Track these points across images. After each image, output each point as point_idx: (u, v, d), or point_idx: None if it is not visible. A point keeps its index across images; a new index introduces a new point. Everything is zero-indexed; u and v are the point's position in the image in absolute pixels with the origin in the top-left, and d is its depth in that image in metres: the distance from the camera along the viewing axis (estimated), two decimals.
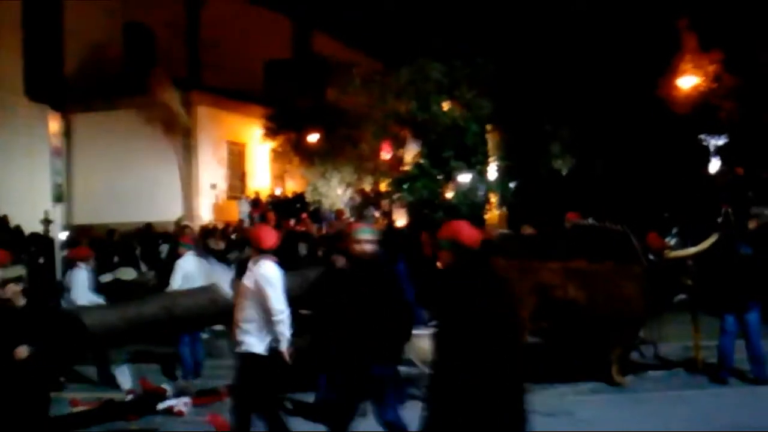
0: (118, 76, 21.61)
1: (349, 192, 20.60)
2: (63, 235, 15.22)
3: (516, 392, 4.10)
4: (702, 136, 17.20)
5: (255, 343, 5.88)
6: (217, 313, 7.96)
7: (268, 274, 5.86)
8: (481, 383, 3.98)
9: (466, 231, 4.42)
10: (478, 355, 4.01)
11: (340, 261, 8.61)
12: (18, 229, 16.28)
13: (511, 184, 18.06)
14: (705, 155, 17.16)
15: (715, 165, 17.13)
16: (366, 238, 5.85)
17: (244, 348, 5.90)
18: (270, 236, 6.08)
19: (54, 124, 15.10)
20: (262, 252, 5.97)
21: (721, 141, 17.27)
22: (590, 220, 13.93)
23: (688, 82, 17.03)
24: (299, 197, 21.41)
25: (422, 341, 6.80)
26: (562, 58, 17.59)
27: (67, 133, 19.94)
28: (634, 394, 8.65)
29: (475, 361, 4.00)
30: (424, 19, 19.96)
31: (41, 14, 20.64)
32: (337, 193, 21.59)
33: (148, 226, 16.83)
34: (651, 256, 9.37)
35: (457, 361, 4.03)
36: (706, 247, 8.92)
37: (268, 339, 5.90)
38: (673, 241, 10.14)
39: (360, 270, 5.80)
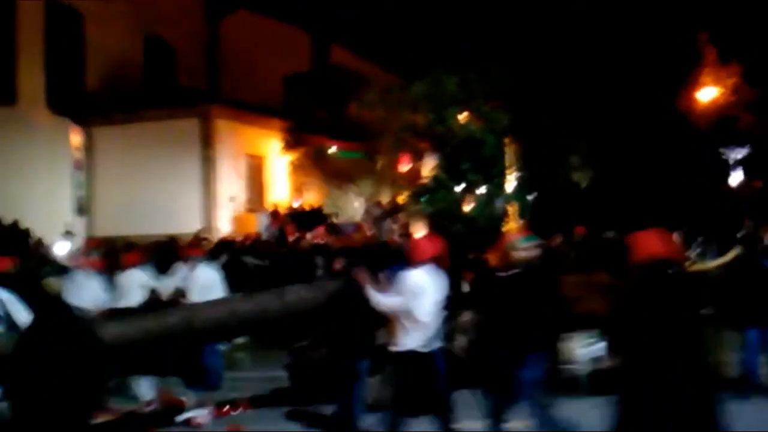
0: (139, 89, 21.83)
1: (366, 204, 20.64)
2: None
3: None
4: (722, 149, 17.11)
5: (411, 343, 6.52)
6: (237, 325, 8.00)
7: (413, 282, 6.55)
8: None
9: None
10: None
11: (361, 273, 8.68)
12: (39, 242, 16.42)
13: (530, 197, 18.02)
14: (725, 168, 17.06)
15: (735, 178, 17.03)
16: (525, 247, 6.60)
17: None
18: (427, 248, 6.70)
19: (75, 138, 15.31)
20: (417, 263, 6.58)
21: (741, 153, 17.17)
22: (611, 234, 13.93)
23: (707, 94, 16.99)
24: (317, 210, 21.48)
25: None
26: (582, 71, 17.58)
27: (89, 146, 20.15)
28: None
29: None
30: (440, 31, 20.04)
31: (63, 28, 20.89)
32: (354, 205, 21.64)
33: (172, 240, 16.92)
34: (672, 270, 9.30)
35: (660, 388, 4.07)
36: (727, 261, 8.86)
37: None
38: (694, 254, 10.06)
39: (521, 277, 6.44)
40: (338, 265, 9.29)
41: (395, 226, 17.29)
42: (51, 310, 5.76)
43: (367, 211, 20.60)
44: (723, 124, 16.87)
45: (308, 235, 17.21)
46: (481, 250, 14.61)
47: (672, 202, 15.70)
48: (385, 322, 7.16)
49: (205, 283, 9.56)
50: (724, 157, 17.23)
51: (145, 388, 9.02)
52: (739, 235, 9.52)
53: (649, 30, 17.48)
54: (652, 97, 16.94)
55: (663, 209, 15.29)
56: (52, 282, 6.06)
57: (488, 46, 18.03)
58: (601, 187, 17.79)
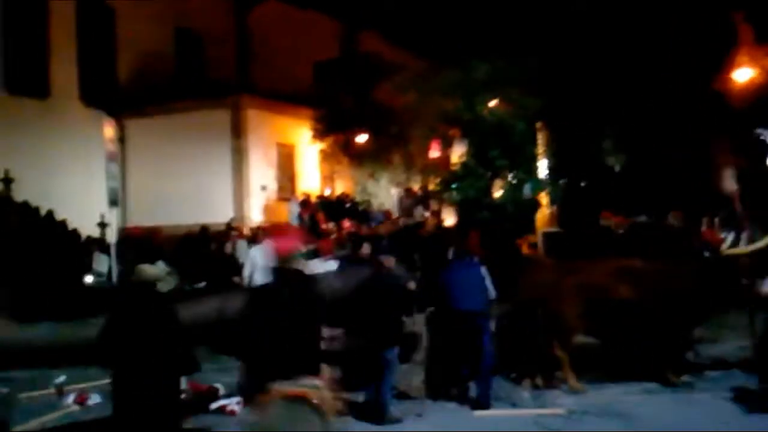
0: (170, 81, 22.00)
1: (397, 192, 20.59)
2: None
3: None
4: (759, 130, 16.76)
5: None
6: None
7: None
8: None
9: None
10: None
11: (389, 262, 8.69)
12: (75, 233, 16.67)
13: (561, 182, 17.83)
14: (762, 149, 16.72)
15: None
16: None
17: None
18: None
19: (109, 130, 15.45)
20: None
21: None
22: (643, 218, 13.75)
23: (744, 75, 16.63)
24: (345, 198, 21.50)
25: None
26: (615, 53, 17.31)
27: (121, 138, 20.37)
28: (689, 394, 8.48)
29: None
30: (470, 17, 19.86)
31: (94, 22, 21.12)
32: (388, 192, 21.61)
33: (203, 229, 17.06)
34: (706, 253, 9.19)
35: None
36: (762, 246, 8.70)
37: None
38: (730, 237, 9.89)
39: None
40: (365, 251, 9.29)
41: (426, 214, 17.23)
42: (142, 294, 6.03)
43: (399, 200, 20.58)
44: (760, 105, 16.50)
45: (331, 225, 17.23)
46: (511, 236, 14.56)
47: (706, 185, 15.44)
48: (413, 310, 7.17)
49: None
50: (761, 137, 16.87)
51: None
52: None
53: (683, 10, 17.15)
54: (687, 78, 16.63)
55: (697, 192, 15.06)
56: (146, 268, 6.21)
57: (518, 31, 17.83)
58: (635, 171, 17.54)
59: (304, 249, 5.31)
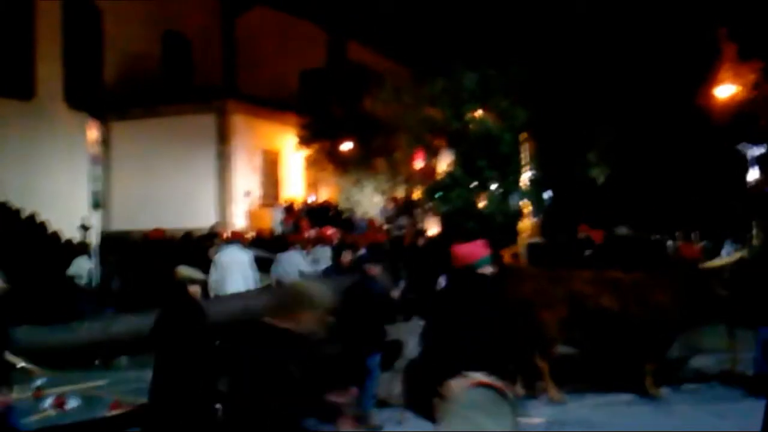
0: (156, 84, 21.94)
1: (382, 200, 20.62)
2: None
3: None
4: (740, 146, 16.94)
5: None
6: (249, 319, 8.02)
7: None
8: None
9: None
10: None
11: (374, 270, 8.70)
12: (55, 235, 16.55)
13: (546, 194, 17.93)
14: (743, 165, 16.90)
15: (753, 175, 16.86)
16: None
17: None
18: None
19: (92, 132, 15.39)
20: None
21: (759, 151, 16.99)
22: (624, 230, 13.86)
23: (726, 91, 16.81)
24: (328, 205, 21.50)
25: None
26: (599, 67, 17.45)
27: (106, 140, 20.28)
28: (669, 405, 8.53)
29: None
30: (458, 27, 19.96)
31: (81, 23, 21.04)
32: (371, 201, 21.63)
33: (188, 235, 17.00)
34: (686, 267, 9.26)
35: None
36: (732, 261, 8.81)
37: None
38: (725, 252, 10.00)
39: None
40: (346, 259, 9.29)
41: (405, 221, 17.28)
42: (178, 294, 6.26)
43: (383, 209, 20.61)
44: (742, 121, 16.68)
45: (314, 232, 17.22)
46: (497, 247, 14.60)
47: (689, 200, 15.60)
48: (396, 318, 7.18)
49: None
50: (742, 154, 17.05)
51: None
52: (749, 235, 9.45)
53: (667, 26, 17.33)
54: (671, 93, 16.80)
55: (679, 207, 15.21)
56: (183, 270, 6.39)
57: (506, 42, 17.94)
58: (618, 184, 17.67)
59: (488, 255, 5.42)
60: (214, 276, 11.37)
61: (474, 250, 5.37)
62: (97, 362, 10.42)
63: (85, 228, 17.33)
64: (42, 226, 16.52)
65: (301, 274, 11.53)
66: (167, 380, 6.03)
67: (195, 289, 6.35)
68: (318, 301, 4.21)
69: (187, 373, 5.96)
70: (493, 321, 5.26)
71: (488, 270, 5.31)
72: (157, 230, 16.40)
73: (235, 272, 11.51)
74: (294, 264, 11.91)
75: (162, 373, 6.08)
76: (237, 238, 13.24)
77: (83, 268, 14.01)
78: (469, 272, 5.30)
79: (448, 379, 4.79)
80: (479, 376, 4.81)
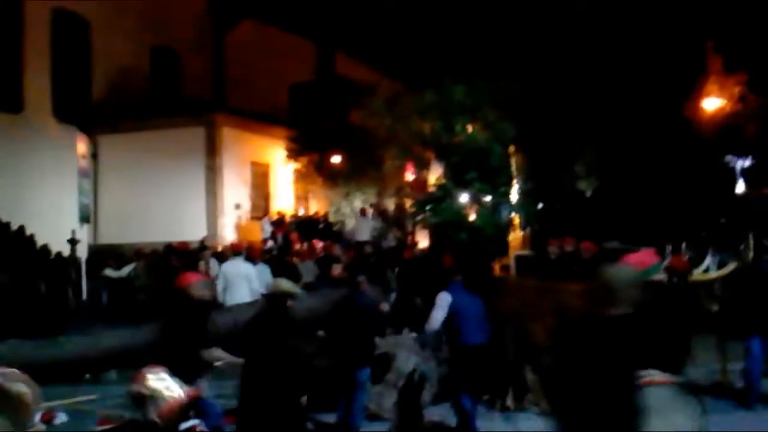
0: (145, 98, 21.92)
1: (369, 211, 20.61)
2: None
3: None
4: (727, 158, 17.08)
5: None
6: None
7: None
8: None
9: None
10: None
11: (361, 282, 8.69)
12: (44, 249, 16.45)
13: (537, 206, 17.99)
14: (730, 177, 17.03)
15: (740, 187, 16.99)
16: None
17: None
18: None
19: (81, 146, 15.38)
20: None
21: (746, 162, 17.13)
22: (614, 243, 13.90)
23: (713, 103, 16.95)
24: (317, 218, 21.48)
25: None
26: (587, 80, 17.56)
27: (94, 154, 20.24)
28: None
29: None
30: (447, 40, 20.06)
31: (69, 36, 21.01)
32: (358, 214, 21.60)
33: (169, 247, 16.93)
34: (674, 279, 9.29)
35: None
36: (725, 274, 8.84)
37: None
38: (709, 264, 10.01)
39: None
40: (336, 272, 9.29)
41: (399, 234, 17.29)
42: (275, 307, 6.54)
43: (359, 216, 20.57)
44: (728, 133, 16.81)
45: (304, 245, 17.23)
46: (487, 259, 14.62)
47: (676, 212, 15.67)
48: (385, 331, 7.19)
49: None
50: (729, 165, 17.19)
51: None
52: (741, 247, 9.48)
53: (654, 39, 17.47)
54: (658, 105, 16.92)
55: (667, 219, 15.26)
56: (283, 284, 6.74)
57: (494, 55, 18.04)
58: (606, 197, 17.75)
59: (658, 263, 5.49)
60: (219, 287, 11.47)
61: (644, 259, 5.39)
62: (87, 377, 10.34)
63: (73, 242, 17.28)
64: (30, 239, 16.41)
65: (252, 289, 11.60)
66: (259, 392, 6.27)
67: (292, 303, 6.63)
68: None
69: (280, 384, 6.22)
70: (669, 324, 5.32)
71: (659, 278, 5.34)
72: (181, 243, 16.51)
73: (240, 284, 11.65)
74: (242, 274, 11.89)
75: (254, 385, 6.31)
76: (241, 250, 13.20)
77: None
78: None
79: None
80: (662, 375, 4.95)
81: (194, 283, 7.19)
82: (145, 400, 5.67)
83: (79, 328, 12.29)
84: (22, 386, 4.81)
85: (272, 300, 6.63)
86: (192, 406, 6.02)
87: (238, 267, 12.05)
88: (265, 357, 6.32)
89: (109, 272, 14.51)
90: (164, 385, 5.47)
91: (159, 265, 15.47)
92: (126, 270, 14.64)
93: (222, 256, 14.97)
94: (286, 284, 6.72)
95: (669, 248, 12.42)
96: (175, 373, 6.01)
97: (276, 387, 6.24)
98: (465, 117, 17.63)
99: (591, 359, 4.26)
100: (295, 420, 6.46)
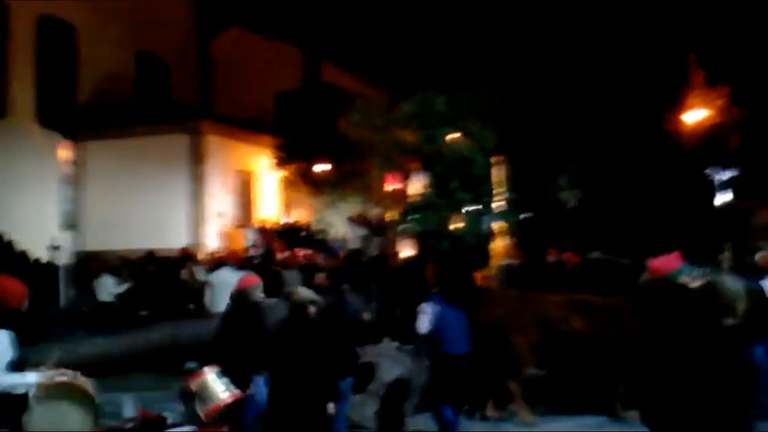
0: (130, 104, 21.86)
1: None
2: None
3: None
4: (709, 170, 17.21)
5: None
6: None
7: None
8: None
9: None
10: None
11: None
12: (23, 255, 16.35)
13: (520, 216, 18.05)
14: (712, 189, 17.16)
15: (721, 199, 17.11)
16: None
17: None
18: None
19: (64, 152, 15.29)
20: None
21: (728, 175, 17.26)
22: (597, 254, 13.97)
23: (695, 116, 17.08)
24: (300, 226, 21.46)
25: None
26: (570, 91, 17.68)
27: (78, 160, 20.12)
28: (639, 428, 8.57)
29: None
30: (430, 50, 20.15)
31: (55, 42, 20.95)
32: (343, 223, 21.60)
33: (150, 254, 16.85)
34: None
35: None
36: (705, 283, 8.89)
37: None
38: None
39: None
40: (319, 280, 9.30)
41: (383, 243, 17.30)
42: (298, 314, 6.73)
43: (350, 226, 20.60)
44: (710, 146, 16.94)
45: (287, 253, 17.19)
46: (472, 268, 14.65)
47: (659, 223, 15.77)
48: (367, 340, 7.23)
49: None
50: (710, 178, 17.32)
51: (129, 404, 8.94)
52: (720, 257, 9.57)
53: (636, 51, 17.62)
54: (640, 117, 17.04)
55: (650, 230, 15.36)
56: (303, 292, 6.90)
57: (477, 64, 18.13)
58: (589, 208, 17.84)
59: (683, 266, 5.52)
60: (207, 297, 11.45)
61: (669, 262, 5.43)
62: None
63: (54, 248, 17.16)
64: (9, 245, 16.31)
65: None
66: (287, 399, 6.43)
67: (312, 310, 6.76)
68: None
69: (307, 391, 6.41)
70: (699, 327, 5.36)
71: (686, 280, 5.37)
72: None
73: (227, 293, 11.57)
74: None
75: (281, 389, 6.48)
76: (229, 259, 13.20)
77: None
78: (665, 284, 5.37)
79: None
80: None
81: (253, 286, 7.54)
82: (195, 396, 5.98)
83: (60, 335, 12.21)
84: (90, 385, 5.12)
85: (296, 309, 6.75)
86: (234, 408, 6.51)
87: (224, 276, 12.03)
88: (294, 365, 6.47)
89: (109, 286, 14.34)
90: (219, 387, 5.80)
91: (139, 272, 15.43)
92: (125, 286, 14.58)
93: (209, 265, 14.96)
94: (306, 293, 6.88)
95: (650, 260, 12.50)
96: (230, 371, 6.27)
97: (303, 394, 6.40)
98: (447, 127, 17.70)
99: (708, 369, 4.44)
100: (322, 427, 6.62)
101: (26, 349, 9.10)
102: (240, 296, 7.55)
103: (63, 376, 5.49)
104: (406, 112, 17.66)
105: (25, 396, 5.27)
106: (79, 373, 5.59)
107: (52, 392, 5.35)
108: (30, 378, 5.33)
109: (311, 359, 6.53)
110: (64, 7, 20.91)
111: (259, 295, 7.54)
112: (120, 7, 21.85)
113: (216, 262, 13.82)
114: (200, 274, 14.47)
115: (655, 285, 5.39)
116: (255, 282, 7.70)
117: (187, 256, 16.59)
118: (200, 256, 17.51)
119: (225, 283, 11.67)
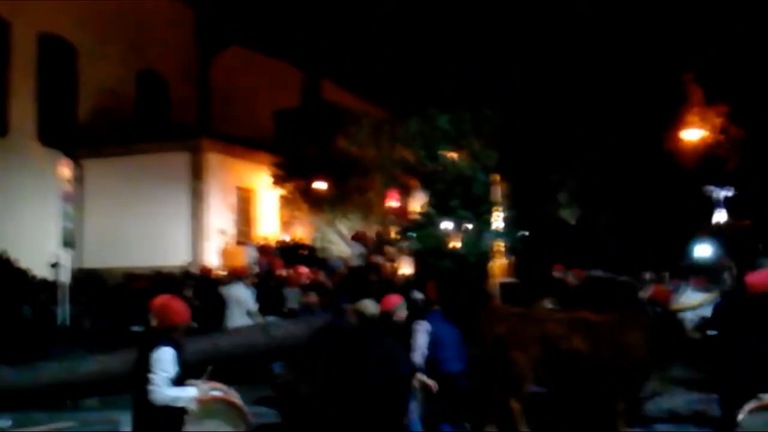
0: (131, 122, 21.93)
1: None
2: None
3: None
4: (707, 188, 17.26)
5: None
6: (222, 359, 7.98)
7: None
8: None
9: None
10: None
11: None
12: (23, 272, 16.33)
13: (520, 233, 18.07)
14: (710, 207, 17.20)
15: (720, 217, 17.15)
16: None
17: None
18: None
19: (65, 170, 15.29)
20: None
21: (726, 193, 17.31)
22: (599, 272, 13.99)
23: (694, 134, 17.16)
24: (300, 244, 21.46)
25: None
26: (570, 110, 17.77)
27: (79, 178, 20.12)
28: None
29: None
30: (432, 69, 20.26)
31: (55, 60, 21.04)
32: (343, 240, 21.60)
33: (159, 274, 16.84)
34: (657, 309, 9.35)
35: None
36: (708, 301, 8.91)
37: None
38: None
39: None
40: (311, 299, 9.32)
41: (381, 260, 17.29)
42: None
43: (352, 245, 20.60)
44: (708, 164, 17.02)
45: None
46: (472, 286, 14.65)
47: (658, 241, 15.80)
48: None
49: None
50: (708, 195, 17.36)
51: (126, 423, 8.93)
52: (724, 275, 9.58)
53: (635, 70, 17.72)
54: (639, 136, 17.12)
55: (648, 248, 15.38)
56: (368, 304, 7.19)
57: (478, 83, 18.24)
58: (589, 225, 17.88)
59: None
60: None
61: (765, 278, 5.70)
62: (69, 403, 10.23)
63: (54, 265, 17.13)
64: (8, 263, 16.30)
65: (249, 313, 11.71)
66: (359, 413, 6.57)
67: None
68: None
69: (382, 405, 6.56)
70: None
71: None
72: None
73: (238, 308, 11.83)
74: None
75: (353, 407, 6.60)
76: (240, 275, 13.21)
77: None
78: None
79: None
80: None
81: (398, 305, 7.55)
82: None
83: (60, 353, 12.17)
84: (239, 400, 5.37)
85: (364, 322, 6.94)
86: None
87: (233, 291, 12.21)
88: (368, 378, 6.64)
89: None
90: None
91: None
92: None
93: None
94: (372, 306, 7.07)
95: (649, 276, 12.53)
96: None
97: (377, 408, 6.56)
98: (448, 145, 17.77)
99: None
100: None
101: (24, 366, 9.12)
102: (384, 316, 7.44)
103: (217, 390, 5.76)
104: (410, 129, 17.74)
105: (183, 410, 5.48)
106: (231, 388, 5.88)
107: (208, 408, 5.63)
108: (190, 392, 5.50)
109: (386, 372, 6.74)
110: (65, 25, 21.02)
111: (403, 314, 7.58)
112: (120, 25, 21.97)
113: (228, 278, 13.88)
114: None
115: (755, 299, 5.98)
116: (399, 302, 7.65)
117: (189, 275, 16.55)
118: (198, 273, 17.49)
119: (236, 298, 11.89)
